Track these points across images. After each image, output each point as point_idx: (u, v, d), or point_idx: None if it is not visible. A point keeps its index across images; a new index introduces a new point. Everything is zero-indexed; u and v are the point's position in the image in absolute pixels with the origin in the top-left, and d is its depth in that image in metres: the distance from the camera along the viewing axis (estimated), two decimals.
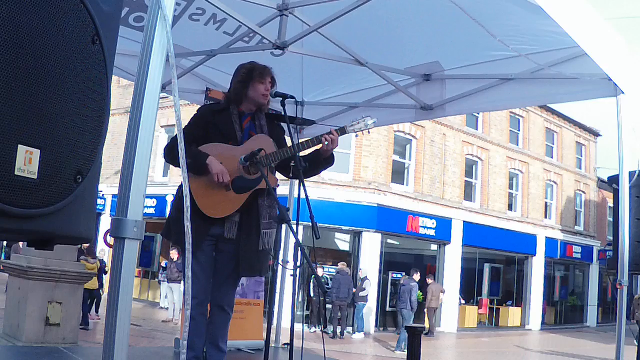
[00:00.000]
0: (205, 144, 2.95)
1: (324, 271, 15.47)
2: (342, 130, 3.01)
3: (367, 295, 15.08)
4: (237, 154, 2.93)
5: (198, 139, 2.96)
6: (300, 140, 2.98)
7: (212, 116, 3.04)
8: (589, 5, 3.12)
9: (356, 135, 3.07)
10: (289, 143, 3.10)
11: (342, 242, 17.77)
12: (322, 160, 3.03)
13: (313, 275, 2.49)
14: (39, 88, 1.15)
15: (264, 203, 2.98)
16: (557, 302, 24.81)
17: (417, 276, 13.34)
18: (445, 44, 3.97)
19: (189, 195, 1.59)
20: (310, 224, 2.53)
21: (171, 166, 3.05)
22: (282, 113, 2.92)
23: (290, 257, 3.72)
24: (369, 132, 3.10)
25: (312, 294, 14.34)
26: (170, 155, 2.95)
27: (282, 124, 3.20)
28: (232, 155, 2.93)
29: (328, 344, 12.40)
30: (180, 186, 2.91)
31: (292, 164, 2.87)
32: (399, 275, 17.49)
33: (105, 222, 18.68)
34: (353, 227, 16.57)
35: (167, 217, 3.27)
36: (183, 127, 2.90)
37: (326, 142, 2.95)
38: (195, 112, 3.12)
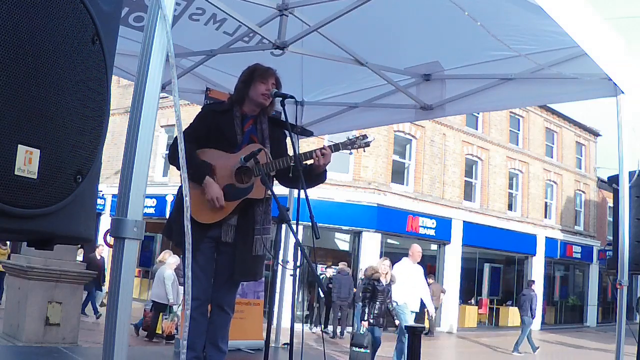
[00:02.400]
0: (201, 149, 2.95)
1: (332, 271, 15.40)
2: (336, 147, 2.97)
3: None
4: (231, 162, 2.93)
5: (200, 138, 2.96)
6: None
7: (214, 117, 3.04)
8: (589, 5, 3.12)
9: (350, 153, 3.05)
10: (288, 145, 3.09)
11: (342, 242, 17.76)
12: (314, 176, 2.99)
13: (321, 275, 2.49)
14: (39, 88, 1.15)
15: (260, 209, 2.98)
16: (557, 302, 24.81)
17: (534, 286, 14.34)
18: (445, 44, 3.97)
19: (189, 195, 1.59)
20: (310, 224, 2.53)
21: (171, 166, 3.05)
22: (282, 113, 2.91)
23: (290, 257, 3.72)
24: (364, 150, 3.08)
25: (322, 295, 14.31)
26: (173, 157, 2.95)
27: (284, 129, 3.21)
28: (225, 162, 2.93)
29: (328, 344, 12.40)
30: (181, 187, 2.91)
31: (292, 163, 2.87)
32: None
33: (105, 222, 18.67)
34: (353, 227, 16.57)
35: (167, 217, 3.27)
36: (186, 125, 2.91)
37: (317, 158, 2.91)
38: (200, 110, 3.12)
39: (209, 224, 2.90)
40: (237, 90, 3.11)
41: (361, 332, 7.53)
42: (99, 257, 13.78)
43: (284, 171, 2.99)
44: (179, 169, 2.68)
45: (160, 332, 9.89)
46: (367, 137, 3.02)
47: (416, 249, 8.63)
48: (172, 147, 2.96)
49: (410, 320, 8.02)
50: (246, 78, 3.06)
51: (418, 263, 8.64)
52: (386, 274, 7.94)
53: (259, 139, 3.04)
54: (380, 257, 17.09)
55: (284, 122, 3.03)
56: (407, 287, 8.09)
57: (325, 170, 3.02)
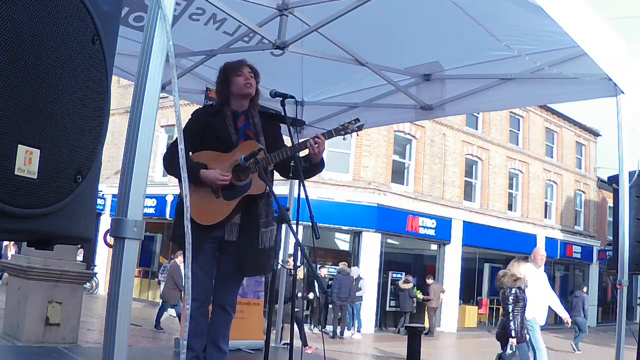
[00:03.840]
0: (196, 153, 2.95)
1: (327, 272, 15.42)
2: (330, 134, 2.97)
3: (361, 295, 15.05)
4: (227, 161, 2.93)
5: (195, 144, 2.96)
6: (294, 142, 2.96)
7: (207, 119, 3.04)
8: (589, 5, 3.12)
9: (344, 139, 3.03)
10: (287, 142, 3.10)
11: (342, 242, 17.76)
12: (312, 166, 3.00)
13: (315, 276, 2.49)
14: (39, 88, 1.15)
15: (262, 203, 2.99)
16: None
17: (585, 289, 14.96)
18: (445, 44, 3.97)
19: (189, 196, 1.59)
20: (310, 224, 2.53)
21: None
22: (282, 113, 2.91)
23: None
24: (357, 134, 3.06)
25: (318, 295, 14.27)
26: (169, 161, 2.93)
27: (280, 123, 3.20)
28: (222, 162, 2.94)
29: (328, 344, 12.40)
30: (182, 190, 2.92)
31: (292, 164, 2.88)
32: (399, 276, 17.49)
33: (105, 222, 18.67)
34: (353, 227, 16.56)
35: (169, 218, 3.29)
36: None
37: (311, 146, 2.91)
38: (190, 117, 3.10)
39: (211, 225, 2.90)
40: (218, 93, 3.12)
41: (509, 351, 6.25)
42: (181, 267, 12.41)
43: (284, 167, 2.99)
44: (174, 175, 2.69)
45: None
46: (360, 121, 2.99)
47: (539, 252, 7.32)
48: (169, 152, 2.95)
49: (540, 337, 6.74)
50: (222, 79, 3.07)
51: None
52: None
53: (253, 133, 3.04)
54: (380, 257, 17.22)
55: (275, 115, 3.01)
56: (534, 297, 6.74)
57: (323, 159, 3.01)
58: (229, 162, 2.93)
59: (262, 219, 2.97)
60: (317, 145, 2.90)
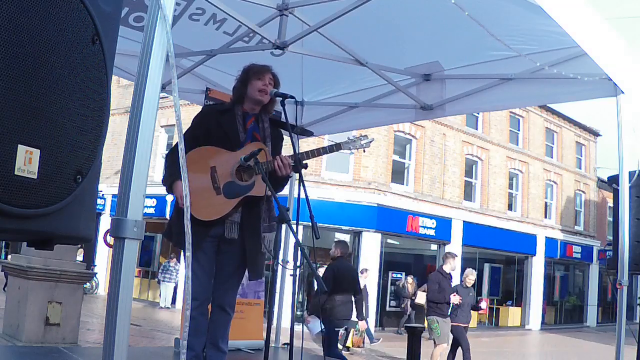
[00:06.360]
0: (200, 147, 2.96)
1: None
2: (338, 147, 3.01)
3: None
4: (232, 160, 2.94)
5: (199, 139, 2.97)
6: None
7: (216, 116, 3.06)
8: (589, 5, 3.12)
9: (351, 153, 3.09)
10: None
11: None
12: (278, 178, 3.01)
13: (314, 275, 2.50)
14: (39, 88, 1.15)
15: (264, 206, 3.00)
16: (557, 302, 24.81)
17: None
18: (445, 44, 3.98)
19: (189, 195, 1.59)
20: (310, 224, 2.53)
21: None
22: (282, 113, 2.92)
23: (290, 257, 3.72)
24: (364, 150, 3.12)
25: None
26: (171, 160, 2.95)
27: (282, 131, 3.24)
28: (226, 160, 2.94)
29: None
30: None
31: (292, 163, 2.89)
32: (399, 276, 17.49)
33: (105, 222, 18.67)
34: (353, 227, 16.56)
35: (169, 218, 3.29)
36: (186, 125, 2.92)
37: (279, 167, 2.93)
38: (200, 110, 3.14)
39: (210, 222, 2.90)
40: (235, 90, 3.14)
41: None
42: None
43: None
44: (164, 184, 2.70)
45: (350, 345, 10.71)
46: (367, 138, 3.04)
47: None
48: (170, 152, 2.96)
49: None
50: (243, 77, 3.09)
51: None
52: None
53: (260, 137, 3.06)
54: (380, 257, 17.23)
55: (283, 123, 3.04)
56: None
57: (288, 177, 3.05)
58: (233, 161, 2.93)
59: (265, 222, 2.99)
60: (281, 167, 2.92)
